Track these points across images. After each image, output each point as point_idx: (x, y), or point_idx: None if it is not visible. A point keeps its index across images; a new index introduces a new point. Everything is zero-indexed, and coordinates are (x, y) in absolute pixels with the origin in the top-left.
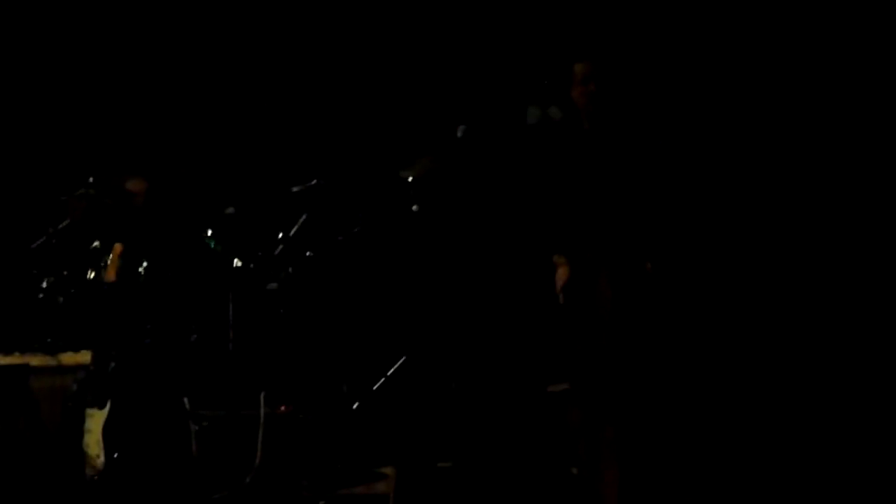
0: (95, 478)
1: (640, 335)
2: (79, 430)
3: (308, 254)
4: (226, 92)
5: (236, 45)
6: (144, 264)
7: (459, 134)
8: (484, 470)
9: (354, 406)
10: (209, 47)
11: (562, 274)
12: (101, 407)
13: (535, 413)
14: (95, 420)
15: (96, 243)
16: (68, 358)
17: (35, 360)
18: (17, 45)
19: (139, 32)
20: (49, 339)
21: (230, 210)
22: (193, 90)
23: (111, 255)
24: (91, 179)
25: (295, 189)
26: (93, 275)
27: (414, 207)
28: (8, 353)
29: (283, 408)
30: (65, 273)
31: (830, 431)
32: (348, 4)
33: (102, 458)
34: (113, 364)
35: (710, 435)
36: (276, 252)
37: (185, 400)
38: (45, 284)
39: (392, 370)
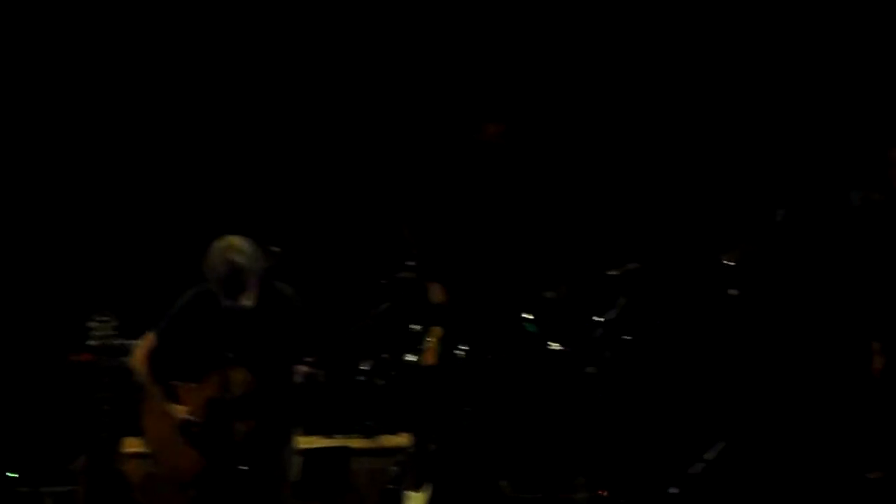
0: None
1: None
2: None
3: (626, 338)
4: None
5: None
6: (463, 348)
7: (779, 218)
8: None
9: (672, 491)
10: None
11: (878, 360)
12: (421, 490)
13: None
14: (415, 503)
15: (416, 327)
16: (388, 440)
17: (355, 443)
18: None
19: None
20: (369, 422)
21: (549, 293)
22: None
23: (430, 339)
24: (411, 262)
25: (612, 272)
26: (412, 358)
27: (732, 292)
28: (329, 435)
29: (602, 492)
30: (384, 356)
31: None
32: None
33: None
34: (432, 447)
35: None
36: (595, 336)
37: (505, 483)
38: (364, 367)
39: (710, 455)
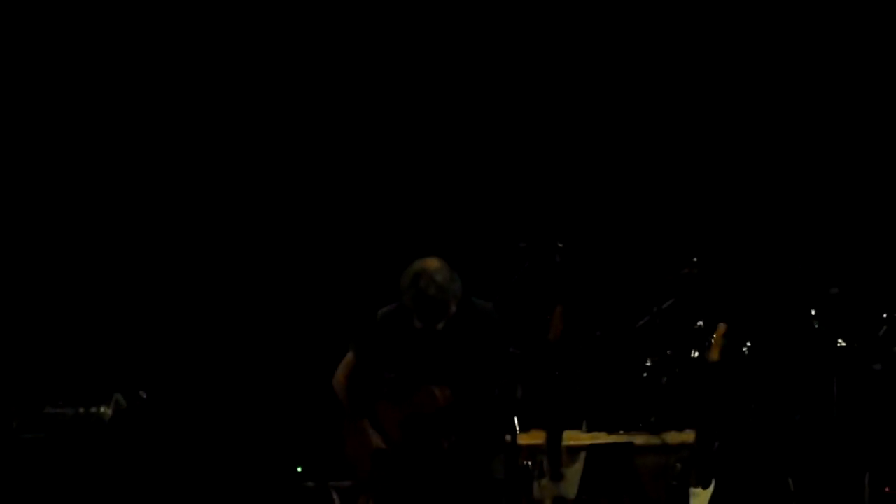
0: None
1: None
2: None
3: None
4: None
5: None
6: (748, 344)
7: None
8: None
9: None
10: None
11: None
12: (706, 486)
13: None
14: (700, 499)
15: (700, 323)
16: (672, 437)
17: (639, 439)
18: None
19: None
20: (653, 418)
21: (834, 290)
22: None
23: (715, 335)
24: (694, 259)
25: None
26: (696, 354)
27: None
28: (612, 431)
29: (887, 489)
30: (668, 353)
31: None
32: None
33: None
34: (717, 443)
35: None
36: (881, 332)
37: (790, 482)
38: (648, 364)
39: None
